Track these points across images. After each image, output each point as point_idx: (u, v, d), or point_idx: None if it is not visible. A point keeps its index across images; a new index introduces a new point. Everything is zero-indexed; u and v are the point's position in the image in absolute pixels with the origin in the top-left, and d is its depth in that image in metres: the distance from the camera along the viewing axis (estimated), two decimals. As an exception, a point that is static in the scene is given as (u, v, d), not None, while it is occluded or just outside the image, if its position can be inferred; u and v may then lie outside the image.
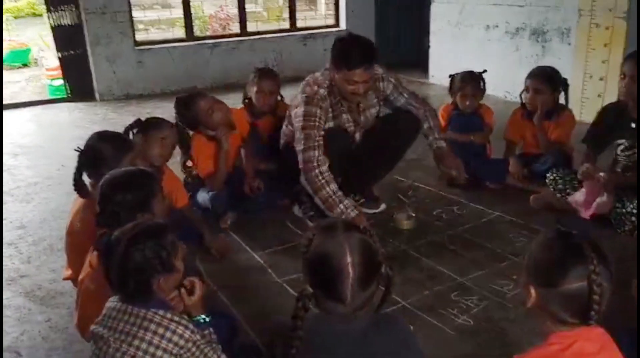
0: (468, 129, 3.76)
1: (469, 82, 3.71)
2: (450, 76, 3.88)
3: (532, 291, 1.40)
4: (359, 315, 1.43)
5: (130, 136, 2.80)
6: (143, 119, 2.91)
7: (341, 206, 2.80)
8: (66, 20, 6.47)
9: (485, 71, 3.76)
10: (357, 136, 3.22)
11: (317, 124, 2.87)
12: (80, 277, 2.04)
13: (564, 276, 1.34)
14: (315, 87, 2.97)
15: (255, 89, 3.55)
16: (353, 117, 3.13)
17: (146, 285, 1.61)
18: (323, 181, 2.82)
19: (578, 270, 1.33)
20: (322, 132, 2.88)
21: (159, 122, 2.93)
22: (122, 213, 1.93)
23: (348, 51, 2.85)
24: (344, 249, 1.39)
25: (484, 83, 3.75)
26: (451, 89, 3.83)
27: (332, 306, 1.41)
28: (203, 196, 3.24)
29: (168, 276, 1.65)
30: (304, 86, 3.02)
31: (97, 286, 1.90)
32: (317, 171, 2.82)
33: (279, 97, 3.65)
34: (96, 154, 2.39)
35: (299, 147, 2.88)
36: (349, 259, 1.38)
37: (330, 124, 3.04)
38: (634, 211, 2.87)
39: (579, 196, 3.10)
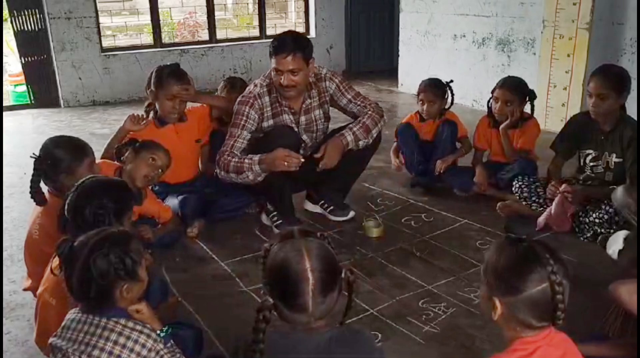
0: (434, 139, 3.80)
1: (428, 89, 3.76)
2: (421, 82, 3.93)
3: (497, 303, 1.39)
4: (321, 326, 1.40)
5: (125, 154, 2.87)
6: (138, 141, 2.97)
7: (246, 161, 2.91)
8: (29, 25, 6.35)
9: (451, 81, 3.81)
10: (305, 137, 3.20)
11: (242, 123, 3.02)
12: (39, 291, 1.97)
13: (525, 282, 1.35)
14: (252, 87, 3.10)
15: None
16: (295, 119, 3.14)
17: (108, 292, 1.57)
18: (229, 157, 2.95)
19: (537, 273, 1.34)
20: (247, 133, 3.02)
21: (152, 143, 2.92)
22: (105, 218, 1.90)
23: (278, 38, 2.98)
24: (301, 254, 1.36)
25: (452, 92, 3.80)
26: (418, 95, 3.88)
27: (295, 316, 1.38)
28: (172, 202, 3.20)
29: (132, 285, 1.61)
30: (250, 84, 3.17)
31: (57, 300, 1.85)
32: (225, 155, 2.96)
33: None
34: (52, 160, 2.34)
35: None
36: (307, 264, 1.35)
37: (270, 122, 3.10)
38: (596, 220, 2.94)
39: (551, 217, 3.10)
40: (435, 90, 3.76)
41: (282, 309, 1.38)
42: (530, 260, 1.36)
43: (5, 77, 8.10)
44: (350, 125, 3.13)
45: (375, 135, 3.18)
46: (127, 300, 1.62)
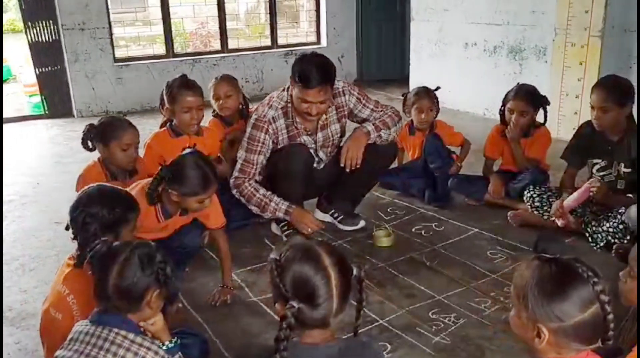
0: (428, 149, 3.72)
1: (424, 96, 3.71)
2: (402, 94, 3.90)
3: (544, 330, 1.29)
4: (330, 337, 1.39)
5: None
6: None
7: (272, 203, 2.97)
8: (44, 36, 6.43)
9: (438, 88, 3.78)
10: (321, 153, 3.20)
11: (259, 149, 3.00)
12: (43, 308, 1.91)
13: (575, 307, 1.27)
14: (267, 109, 3.00)
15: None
16: (312, 139, 3.13)
17: (143, 291, 1.59)
18: (252, 189, 2.99)
19: (586, 295, 1.27)
20: (262, 158, 3.02)
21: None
22: (92, 226, 1.88)
23: (307, 69, 2.84)
24: (318, 254, 1.38)
25: (437, 100, 3.76)
26: (404, 105, 3.81)
27: (319, 314, 1.36)
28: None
29: (159, 297, 1.63)
30: (259, 105, 3.08)
31: (63, 314, 1.82)
32: (246, 183, 2.99)
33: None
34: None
35: (237, 166, 3.05)
36: (327, 261, 1.36)
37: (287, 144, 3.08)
38: (610, 230, 2.91)
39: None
40: (431, 97, 3.71)
41: (305, 311, 1.35)
42: (574, 281, 1.28)
43: (20, 87, 8.23)
44: (373, 120, 3.14)
45: (394, 134, 3.21)
46: (150, 308, 1.62)
